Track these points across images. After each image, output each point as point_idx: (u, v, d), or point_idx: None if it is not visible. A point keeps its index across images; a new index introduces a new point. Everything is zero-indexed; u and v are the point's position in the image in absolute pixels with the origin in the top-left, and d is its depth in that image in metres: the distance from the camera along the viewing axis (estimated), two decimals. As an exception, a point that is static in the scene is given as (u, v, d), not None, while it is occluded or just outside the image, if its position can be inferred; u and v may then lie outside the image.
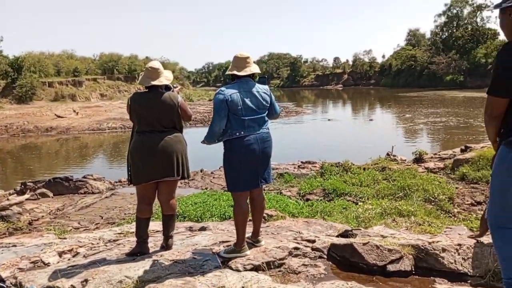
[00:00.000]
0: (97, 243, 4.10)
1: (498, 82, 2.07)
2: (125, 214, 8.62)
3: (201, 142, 3.28)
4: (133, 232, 3.86)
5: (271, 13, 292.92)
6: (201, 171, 13.24)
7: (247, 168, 3.13)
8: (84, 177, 12.19)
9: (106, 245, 3.98)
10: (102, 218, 8.50)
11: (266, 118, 3.26)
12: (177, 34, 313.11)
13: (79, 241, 4.17)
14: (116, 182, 12.35)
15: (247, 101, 3.11)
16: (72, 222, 8.23)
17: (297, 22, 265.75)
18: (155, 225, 4.49)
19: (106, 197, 10.36)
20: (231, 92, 3.10)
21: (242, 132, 3.09)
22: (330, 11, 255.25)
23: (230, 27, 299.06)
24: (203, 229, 4.60)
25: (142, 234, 3.49)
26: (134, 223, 3.85)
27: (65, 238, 4.41)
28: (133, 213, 8.29)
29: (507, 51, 2.05)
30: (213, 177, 12.41)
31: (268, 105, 3.26)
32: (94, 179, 12.05)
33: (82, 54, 54.85)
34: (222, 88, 3.15)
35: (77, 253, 3.83)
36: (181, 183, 10.67)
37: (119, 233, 4.59)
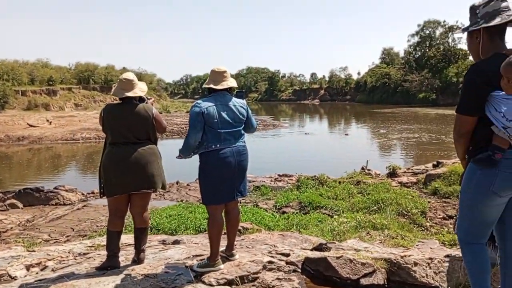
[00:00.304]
0: (67, 257, 3.95)
1: (466, 101, 2.12)
2: (97, 226, 8.41)
3: (177, 157, 3.24)
4: (104, 246, 3.75)
5: (250, 28, 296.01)
6: (177, 183, 13.09)
7: (223, 181, 3.10)
8: (55, 188, 11.88)
9: (75, 259, 3.84)
10: (73, 230, 8.26)
11: (243, 132, 3.25)
12: (155, 45, 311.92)
13: (48, 254, 4.02)
14: (89, 194, 12.06)
15: (224, 114, 3.10)
16: (42, 234, 7.98)
17: (276, 37, 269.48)
18: (127, 238, 4.37)
19: (78, 209, 10.09)
20: (207, 105, 3.08)
21: (218, 145, 3.07)
22: (307, 28, 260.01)
23: (209, 40, 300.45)
24: (176, 242, 4.51)
25: (113, 247, 3.39)
26: (105, 236, 3.74)
27: (33, 251, 4.25)
28: (105, 225, 8.06)
29: (474, 72, 2.11)
30: (189, 189, 12.28)
31: (245, 119, 3.25)
32: (66, 190, 11.74)
33: (57, 63, 53.98)
34: (199, 101, 3.13)
35: (46, 267, 3.68)
36: (156, 195, 10.50)
37: (89, 246, 4.45)
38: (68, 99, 42.13)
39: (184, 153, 3.16)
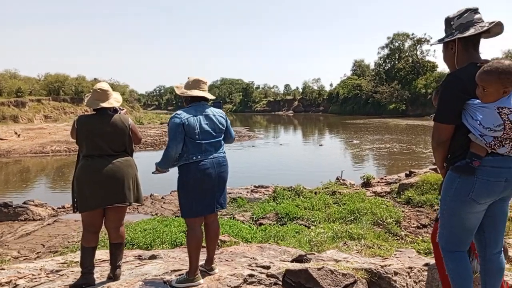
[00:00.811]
0: (38, 274, 3.78)
1: (443, 110, 2.17)
2: (68, 242, 8.13)
3: (153, 172, 3.15)
4: (78, 262, 3.61)
5: (224, 39, 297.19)
6: (151, 196, 12.84)
7: (203, 193, 3.05)
8: (24, 203, 11.43)
9: (48, 276, 3.68)
10: (44, 246, 7.96)
11: (222, 142, 3.22)
12: (128, 56, 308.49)
13: (18, 272, 3.84)
14: (59, 208, 11.68)
15: (204, 124, 3.06)
16: (11, 251, 7.66)
17: (250, 49, 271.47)
18: (101, 254, 4.23)
19: (48, 224, 9.75)
20: (187, 116, 3.03)
21: (199, 156, 3.02)
22: (280, 40, 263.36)
23: (183, 51, 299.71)
24: (153, 257, 4.40)
25: (87, 264, 3.26)
26: (78, 252, 3.61)
27: (3, 269, 4.05)
28: (77, 241, 7.85)
29: (450, 81, 2.17)
30: (164, 202, 12.07)
31: (224, 129, 3.23)
32: (36, 205, 11.32)
33: (26, 74, 52.49)
34: (178, 112, 3.07)
35: (16, 285, 3.51)
36: (129, 208, 10.26)
37: (62, 263, 4.28)
38: (38, 111, 40.93)
39: (163, 166, 3.07)
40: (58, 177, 19.36)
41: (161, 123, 47.52)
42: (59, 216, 10.87)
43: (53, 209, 11.53)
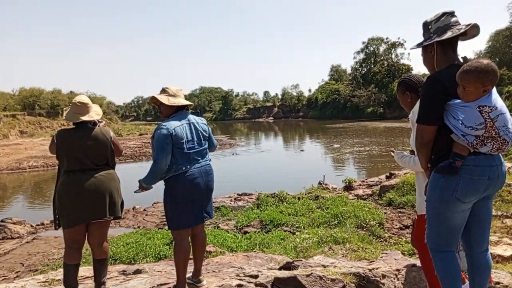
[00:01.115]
0: (18, 295, 3.66)
1: (425, 111, 2.21)
2: (49, 260, 7.90)
3: (135, 191, 3.05)
4: (60, 280, 3.50)
5: (201, 48, 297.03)
6: (133, 208, 12.62)
7: (192, 204, 3.01)
8: (2, 220, 11.07)
9: (28, 297, 3.56)
10: (23, 265, 7.71)
11: (207, 150, 3.20)
12: (104, 67, 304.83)
13: (-4, 294, 3.70)
14: (38, 225, 11.35)
15: (190, 133, 3.04)
16: (-12, 272, 7.37)
17: (228, 57, 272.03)
18: (84, 271, 4.12)
19: (27, 242, 9.46)
20: (174, 126, 2.99)
21: (188, 166, 2.98)
22: (259, 47, 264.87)
23: (161, 60, 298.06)
24: (138, 272, 4.30)
25: (71, 282, 3.17)
26: (59, 270, 3.51)
27: (-20, 292, 3.89)
28: (57, 258, 7.64)
29: (431, 83, 2.21)
30: (146, 215, 11.87)
31: (208, 136, 3.21)
32: (14, 223, 10.98)
33: None
34: (164, 123, 3.02)
35: (-6, 309, 3.38)
36: (111, 222, 10.04)
37: (43, 282, 4.14)
38: (13, 126, 39.96)
39: (150, 182, 2.98)
40: (36, 193, 18.87)
41: (140, 134, 46.97)
42: (38, 233, 10.57)
43: (31, 226, 11.21)
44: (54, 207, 3.19)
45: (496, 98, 2.12)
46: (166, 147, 2.92)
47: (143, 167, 21.08)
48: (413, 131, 2.87)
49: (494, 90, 2.14)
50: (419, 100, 2.95)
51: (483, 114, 2.05)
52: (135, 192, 3.04)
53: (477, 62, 2.08)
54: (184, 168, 2.96)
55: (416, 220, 2.90)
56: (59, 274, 3.74)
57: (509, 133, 2.09)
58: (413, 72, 68.12)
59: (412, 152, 2.91)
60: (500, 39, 52.46)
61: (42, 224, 11.40)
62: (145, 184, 3.00)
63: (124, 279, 3.84)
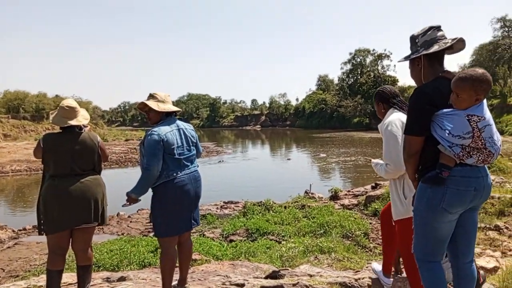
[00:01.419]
0: (-2, 302, 3.57)
1: (412, 122, 2.25)
2: (30, 265, 7.73)
3: (123, 205, 2.98)
4: (42, 286, 3.44)
5: (189, 54, 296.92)
6: (117, 215, 12.47)
7: (181, 211, 2.99)
8: (-19, 225, 10.84)
9: (9, 304, 3.48)
10: (4, 271, 7.54)
11: (195, 156, 3.20)
12: (91, 72, 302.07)
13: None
14: (20, 230, 11.13)
15: (180, 139, 3.05)
16: (-33, 278, 7.18)
17: (217, 63, 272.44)
18: (67, 277, 4.04)
19: (8, 247, 9.27)
20: (165, 131, 2.98)
21: (179, 172, 2.97)
22: (246, 54, 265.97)
23: (147, 66, 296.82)
24: (122, 279, 4.24)
25: (54, 288, 3.11)
26: (42, 276, 3.45)
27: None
28: (39, 264, 7.49)
29: (418, 94, 2.26)
30: (131, 221, 11.73)
31: (196, 141, 3.22)
32: (-6, 228, 10.75)
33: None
34: (155, 129, 3.00)
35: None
36: (95, 228, 9.89)
37: (24, 288, 4.05)
38: (-4, 129, 39.25)
39: (141, 191, 2.91)
40: (18, 197, 18.51)
41: (126, 140, 46.58)
42: (20, 238, 10.36)
43: (13, 231, 11.00)
44: (38, 212, 3.14)
45: (486, 109, 2.17)
46: (157, 153, 2.90)
47: (128, 173, 20.82)
48: (384, 140, 2.97)
49: (485, 101, 2.19)
50: (389, 110, 3.08)
51: (471, 123, 2.10)
52: (122, 206, 2.96)
53: (473, 70, 2.14)
54: (174, 174, 2.95)
55: (394, 227, 2.97)
56: (41, 280, 3.67)
57: (494, 145, 2.14)
58: (399, 84, 69.37)
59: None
60: (483, 53, 53.76)
61: (24, 229, 11.19)
62: (135, 195, 2.92)
63: (108, 286, 3.79)
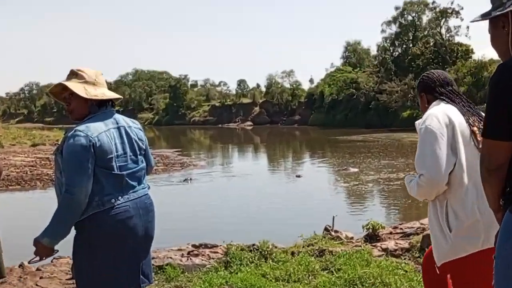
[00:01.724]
0: None
1: (495, 118, 2.25)
2: None
3: (31, 261, 3.02)
4: None
5: (136, 14, 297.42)
6: (20, 266, 12.41)
7: (123, 259, 2.97)
8: None
9: None
10: None
11: (145, 170, 3.20)
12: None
13: None
14: None
15: (121, 144, 3.02)
16: None
17: (180, 25, 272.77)
18: None
19: None
20: (97, 132, 2.95)
21: (120, 198, 2.95)
22: (230, 9, 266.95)
23: (68, 28, 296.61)
24: None
25: None
26: None
27: None
28: None
29: (503, 74, 2.24)
30: (41, 277, 11.64)
31: (144, 147, 3.22)
32: None
33: None
34: (81, 127, 2.97)
35: None
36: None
37: None
38: None
39: (60, 232, 2.89)
40: None
41: (34, 145, 46.34)
42: None
43: None
44: None
45: None
46: (87, 167, 2.86)
47: (37, 200, 20.67)
48: (419, 141, 3.20)
49: None
50: (434, 102, 3.13)
51: None
52: (29, 262, 2.97)
53: None
54: (113, 200, 2.93)
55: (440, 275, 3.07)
56: None
57: None
58: (474, 56, 69.70)
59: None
60: None
61: None
62: (48, 240, 2.87)
63: None
